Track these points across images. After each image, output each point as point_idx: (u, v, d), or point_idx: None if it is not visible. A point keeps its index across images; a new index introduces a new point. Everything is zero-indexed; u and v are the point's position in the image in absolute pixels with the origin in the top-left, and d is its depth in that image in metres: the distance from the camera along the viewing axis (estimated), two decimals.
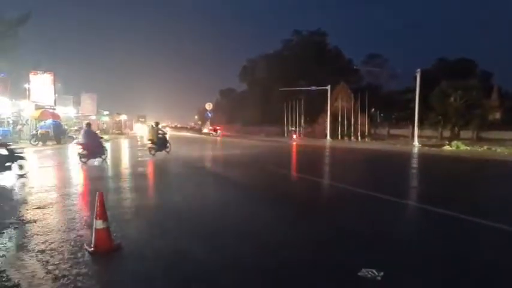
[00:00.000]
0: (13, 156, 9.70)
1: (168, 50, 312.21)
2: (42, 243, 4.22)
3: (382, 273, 3.33)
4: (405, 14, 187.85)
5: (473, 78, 38.69)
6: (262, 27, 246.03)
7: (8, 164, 9.51)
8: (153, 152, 16.20)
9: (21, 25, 39.53)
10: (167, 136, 17.81)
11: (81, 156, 12.90)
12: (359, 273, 3.35)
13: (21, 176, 9.70)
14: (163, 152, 16.83)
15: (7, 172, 9.50)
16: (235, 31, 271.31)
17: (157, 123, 17.00)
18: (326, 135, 40.02)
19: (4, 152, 9.62)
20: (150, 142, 16.55)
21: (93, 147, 13.15)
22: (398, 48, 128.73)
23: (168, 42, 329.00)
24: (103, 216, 3.89)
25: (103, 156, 13.70)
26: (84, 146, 12.95)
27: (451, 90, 33.38)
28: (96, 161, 13.34)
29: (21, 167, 9.84)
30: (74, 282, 3.18)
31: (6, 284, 3.13)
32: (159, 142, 16.50)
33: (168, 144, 17.32)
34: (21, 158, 9.95)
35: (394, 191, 7.91)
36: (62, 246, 4.12)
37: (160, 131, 16.85)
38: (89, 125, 14.46)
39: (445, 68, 47.86)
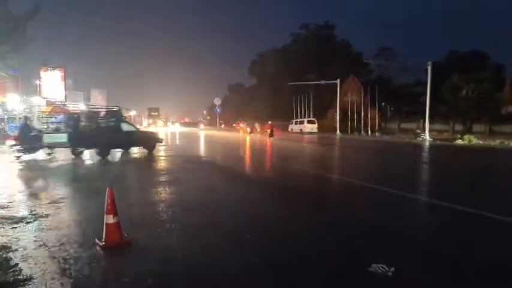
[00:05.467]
0: None
1: (176, 45, 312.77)
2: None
3: (393, 269, 3.29)
4: (416, 6, 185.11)
5: (485, 70, 37.94)
6: (271, 21, 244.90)
7: None
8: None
9: (30, 20, 39.85)
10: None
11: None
12: (369, 269, 3.32)
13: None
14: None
15: None
16: (244, 26, 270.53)
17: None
18: (336, 130, 39.79)
19: None
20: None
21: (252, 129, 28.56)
22: (409, 41, 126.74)
23: (177, 37, 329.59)
24: (113, 211, 3.92)
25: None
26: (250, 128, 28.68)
27: (462, 83, 32.81)
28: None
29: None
30: (85, 275, 3.22)
31: (19, 277, 3.17)
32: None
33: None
34: None
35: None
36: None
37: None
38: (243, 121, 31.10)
39: (456, 60, 47.03)
